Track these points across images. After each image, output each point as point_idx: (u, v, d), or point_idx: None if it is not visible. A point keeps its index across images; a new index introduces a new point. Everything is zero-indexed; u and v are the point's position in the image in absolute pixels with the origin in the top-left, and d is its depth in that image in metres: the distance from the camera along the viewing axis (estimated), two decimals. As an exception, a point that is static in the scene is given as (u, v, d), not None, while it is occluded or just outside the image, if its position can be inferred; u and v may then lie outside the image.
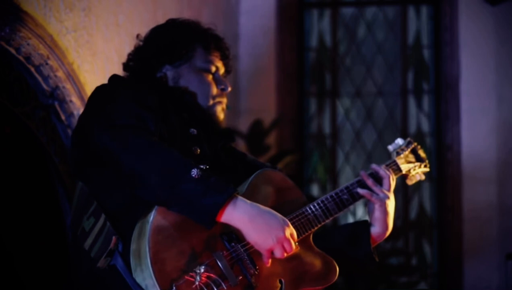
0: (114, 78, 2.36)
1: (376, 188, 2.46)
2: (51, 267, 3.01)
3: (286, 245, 2.15)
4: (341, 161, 5.64)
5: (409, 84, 5.65)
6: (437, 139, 5.51)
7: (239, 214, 2.09)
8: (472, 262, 5.25)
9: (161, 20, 2.58)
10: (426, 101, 5.61)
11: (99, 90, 2.31)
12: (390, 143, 2.69)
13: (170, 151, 2.08)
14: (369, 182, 2.47)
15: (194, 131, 2.33)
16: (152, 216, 2.03)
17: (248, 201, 2.13)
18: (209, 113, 2.43)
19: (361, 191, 2.45)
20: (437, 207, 5.46)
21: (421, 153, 2.70)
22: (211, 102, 2.44)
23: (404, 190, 5.45)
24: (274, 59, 5.54)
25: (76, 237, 2.19)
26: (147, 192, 2.06)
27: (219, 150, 2.43)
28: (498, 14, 5.29)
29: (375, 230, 2.47)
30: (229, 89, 2.50)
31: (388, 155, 2.68)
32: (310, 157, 5.69)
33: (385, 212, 2.45)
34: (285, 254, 2.16)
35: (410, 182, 2.68)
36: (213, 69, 2.48)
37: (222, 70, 2.53)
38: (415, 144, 2.70)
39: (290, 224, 2.18)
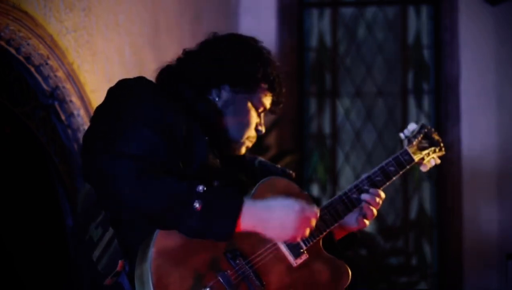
0: (140, 81, 2.19)
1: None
2: (51, 267, 3.01)
3: (307, 213, 2.12)
4: (341, 161, 5.64)
5: (409, 84, 5.65)
6: (437, 139, 5.50)
7: (251, 223, 2.07)
8: (472, 262, 5.24)
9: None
10: (426, 101, 5.61)
11: (122, 89, 2.16)
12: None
13: (170, 183, 2.01)
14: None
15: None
16: (153, 240, 2.00)
17: (254, 206, 2.09)
18: (234, 147, 2.37)
19: (367, 195, 2.37)
20: (437, 207, 5.45)
21: (435, 136, 2.54)
22: (242, 140, 2.38)
23: (404, 190, 5.44)
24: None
25: (82, 242, 2.17)
26: (152, 224, 2.04)
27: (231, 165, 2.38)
28: (498, 14, 5.29)
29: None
30: (263, 132, 2.46)
31: (400, 142, 2.54)
32: (310, 157, 5.69)
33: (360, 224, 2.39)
34: (315, 221, 2.13)
35: (424, 168, 2.54)
36: (262, 110, 2.43)
37: (267, 108, 2.46)
38: (428, 127, 2.55)
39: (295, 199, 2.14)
